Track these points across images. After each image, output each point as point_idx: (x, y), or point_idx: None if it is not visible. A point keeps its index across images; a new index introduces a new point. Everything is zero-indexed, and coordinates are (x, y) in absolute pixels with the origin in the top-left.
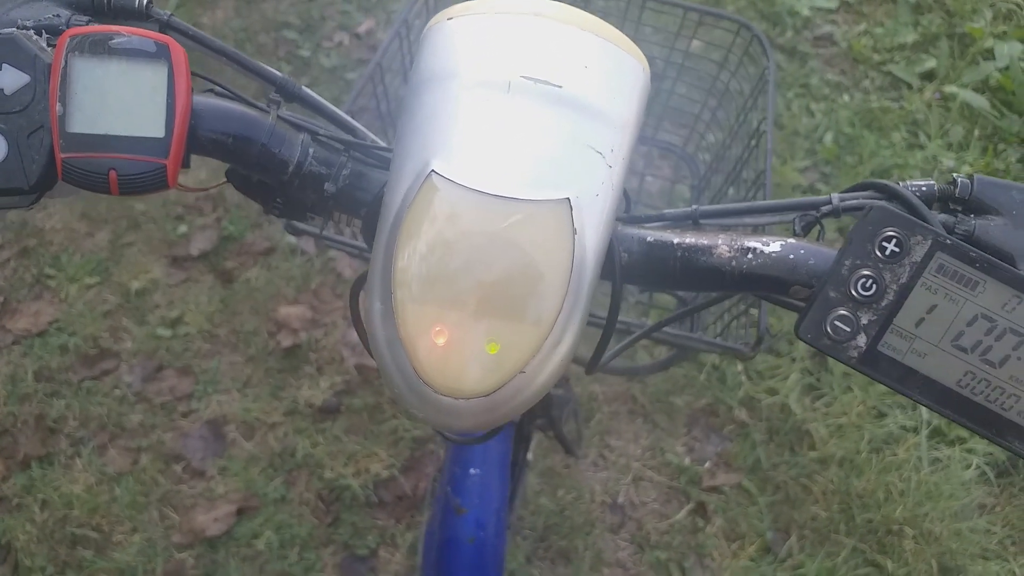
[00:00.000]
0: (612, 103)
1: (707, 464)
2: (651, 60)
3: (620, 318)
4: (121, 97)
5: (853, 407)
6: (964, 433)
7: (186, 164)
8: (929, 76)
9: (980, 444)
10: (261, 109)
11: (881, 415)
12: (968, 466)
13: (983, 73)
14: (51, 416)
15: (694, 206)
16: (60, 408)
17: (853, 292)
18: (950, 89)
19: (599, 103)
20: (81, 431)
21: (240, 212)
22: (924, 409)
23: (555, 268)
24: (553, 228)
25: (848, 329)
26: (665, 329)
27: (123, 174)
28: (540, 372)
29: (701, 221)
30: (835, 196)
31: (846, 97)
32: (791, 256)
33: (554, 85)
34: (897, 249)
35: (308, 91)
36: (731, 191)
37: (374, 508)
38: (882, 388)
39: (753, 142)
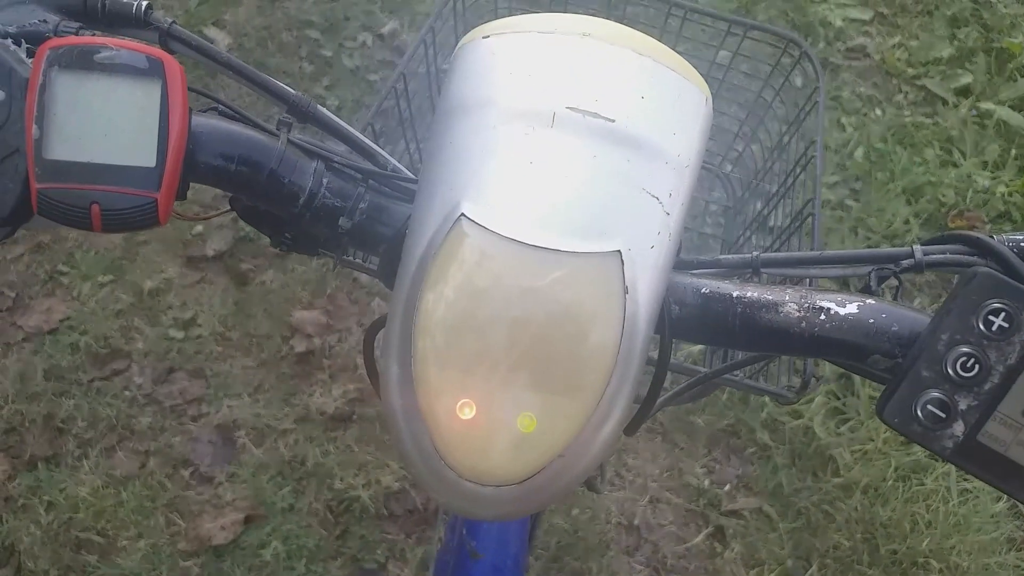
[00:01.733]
0: (672, 140)
1: (727, 487)
2: None
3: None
4: (107, 119)
5: (880, 433)
6: None
7: (182, 195)
8: (965, 92)
9: None
10: (270, 132)
11: (908, 442)
12: (999, 499)
13: (1021, 90)
14: (59, 416)
15: (755, 252)
16: (69, 408)
17: (951, 372)
18: (986, 106)
19: (657, 140)
20: (89, 432)
21: None
22: None
23: (603, 332)
24: (601, 285)
25: (944, 415)
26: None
27: (107, 209)
28: (584, 455)
29: (763, 270)
30: (918, 249)
31: (878, 111)
32: (871, 320)
33: (605, 118)
34: (1006, 324)
35: (324, 111)
36: (770, 216)
37: (384, 521)
38: None
39: (798, 167)
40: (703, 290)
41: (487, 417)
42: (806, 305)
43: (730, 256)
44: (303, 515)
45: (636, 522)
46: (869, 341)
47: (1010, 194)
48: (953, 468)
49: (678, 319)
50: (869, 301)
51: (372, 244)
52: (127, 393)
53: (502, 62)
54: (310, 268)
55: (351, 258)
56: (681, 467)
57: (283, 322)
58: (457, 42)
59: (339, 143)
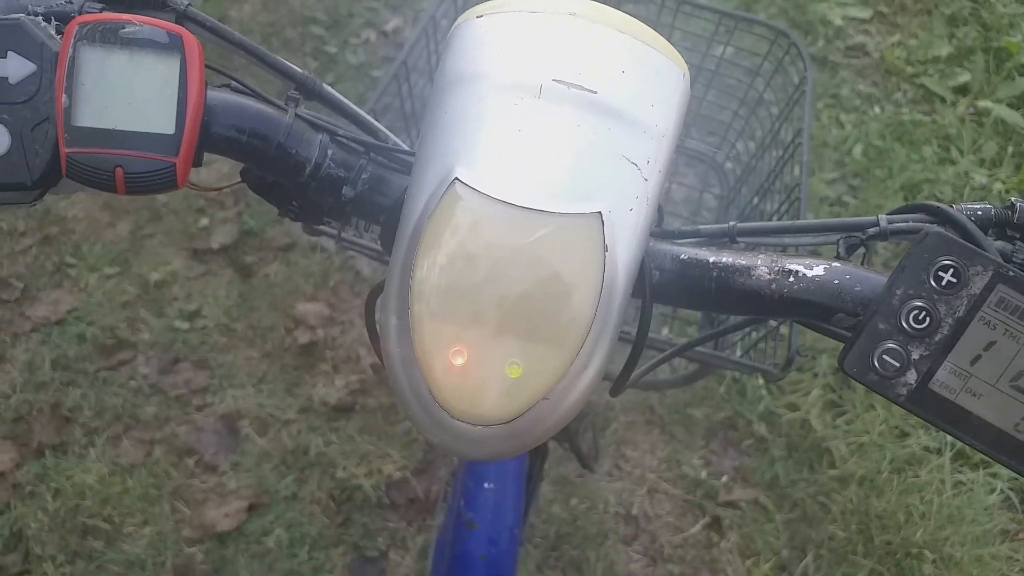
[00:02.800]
0: (650, 111)
1: (724, 478)
2: None
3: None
4: (130, 90)
5: (875, 426)
6: None
7: (198, 162)
8: (963, 90)
9: (1005, 469)
10: (279, 107)
11: (904, 435)
12: (992, 491)
13: (1019, 88)
14: (66, 405)
15: (731, 223)
16: (76, 397)
17: (904, 324)
18: (984, 104)
19: (636, 111)
20: (96, 421)
21: (261, 207)
22: None
23: (583, 287)
24: (583, 244)
25: (897, 364)
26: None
27: (130, 172)
28: (565, 398)
29: (738, 239)
30: (883, 218)
31: (877, 109)
32: (836, 281)
33: (588, 90)
34: (954, 280)
35: (329, 89)
36: (762, 204)
37: (385, 510)
38: None
39: (787, 154)
40: (682, 256)
41: (478, 364)
42: (776, 268)
43: (708, 226)
44: (306, 503)
45: (634, 512)
46: (833, 301)
47: (1007, 191)
48: (948, 462)
49: (658, 283)
50: (835, 264)
51: (373, 213)
52: (133, 383)
53: (494, 39)
54: (313, 261)
55: (353, 234)
56: (679, 458)
57: (287, 314)
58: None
59: (343, 119)
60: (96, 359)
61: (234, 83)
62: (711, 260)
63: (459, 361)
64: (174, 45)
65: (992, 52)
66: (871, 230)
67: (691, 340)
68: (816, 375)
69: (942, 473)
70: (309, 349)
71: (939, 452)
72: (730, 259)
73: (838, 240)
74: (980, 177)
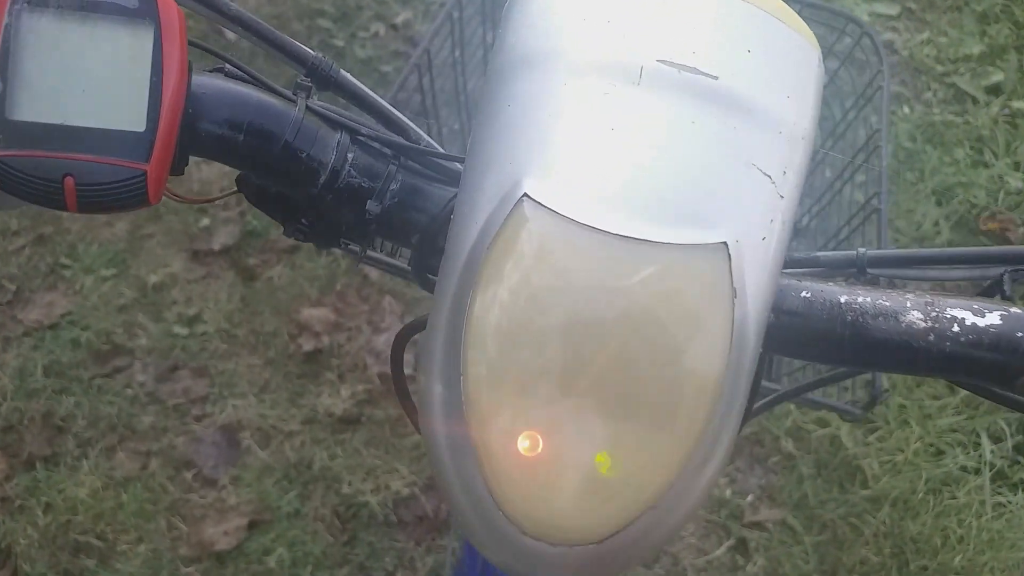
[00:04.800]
0: (786, 105)
1: (750, 497)
2: None
3: None
4: (87, 72)
5: (910, 443)
6: None
7: (178, 169)
8: (996, 90)
9: None
10: (286, 97)
11: (939, 453)
12: None
13: None
14: (59, 414)
15: (860, 249)
16: (69, 406)
17: None
18: (1018, 105)
19: (769, 104)
20: (89, 431)
21: None
22: (987, 450)
23: (706, 346)
24: (704, 287)
25: None
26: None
27: (84, 183)
28: (679, 505)
29: (868, 271)
30: None
31: (907, 109)
32: (1019, 333)
33: (706, 74)
34: None
35: (348, 76)
36: (825, 218)
37: (393, 528)
38: (942, 423)
39: (859, 159)
40: (804, 294)
41: (556, 454)
42: (934, 314)
43: (828, 253)
44: (309, 520)
45: None
46: (1017, 359)
47: None
48: (987, 482)
49: (773, 328)
50: (1014, 310)
51: (404, 233)
52: (129, 391)
53: (573, 5)
54: (319, 264)
55: (378, 252)
56: None
57: (291, 319)
58: (486, 15)
59: (366, 115)
60: (91, 366)
61: (229, 66)
62: (843, 300)
63: (530, 450)
64: (146, 12)
65: None
66: None
67: (787, 391)
68: (846, 388)
69: (981, 494)
70: (314, 357)
71: (977, 472)
72: (868, 299)
73: (1001, 274)
74: (1015, 181)
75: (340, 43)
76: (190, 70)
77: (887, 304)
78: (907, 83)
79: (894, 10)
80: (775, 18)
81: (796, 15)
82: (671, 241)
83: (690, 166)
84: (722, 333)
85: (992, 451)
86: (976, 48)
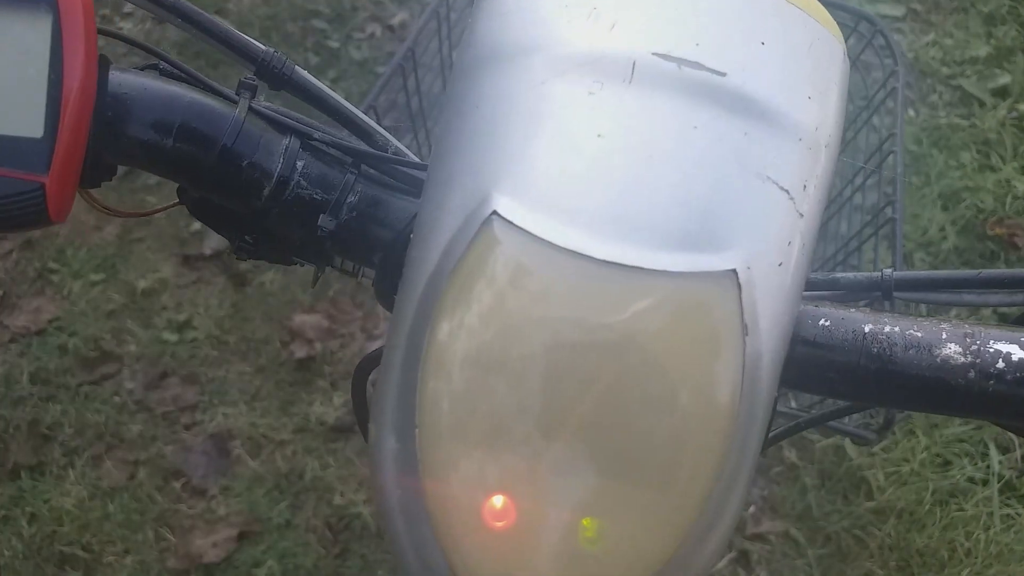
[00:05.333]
0: (806, 107)
1: (752, 509)
2: None
3: None
4: None
5: (916, 454)
6: None
7: (95, 181)
8: (1003, 93)
9: None
10: (227, 97)
11: (946, 463)
12: None
13: None
14: (45, 422)
15: (886, 270)
16: (56, 414)
17: None
18: None
19: (786, 105)
20: (76, 440)
21: None
22: (995, 461)
23: (713, 393)
24: (709, 323)
25: None
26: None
27: None
28: None
29: (896, 295)
30: None
31: (912, 112)
32: None
33: (711, 70)
34: None
35: (305, 74)
36: (835, 226)
37: (386, 540)
38: (948, 433)
39: (872, 165)
40: (823, 321)
41: (530, 523)
42: (974, 347)
43: (849, 275)
44: (300, 532)
45: None
46: None
47: None
48: (996, 493)
49: (787, 359)
50: None
51: (365, 251)
52: (117, 399)
53: None
54: (311, 270)
55: (340, 267)
56: None
57: (283, 326)
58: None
59: (325, 118)
60: (78, 373)
61: (164, 64)
62: (868, 329)
63: (500, 519)
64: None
65: None
66: None
67: (803, 420)
68: None
69: (989, 506)
70: (306, 364)
71: (985, 483)
72: (897, 328)
73: None
74: (1023, 186)
75: (335, 45)
76: (104, 66)
77: (919, 335)
78: (912, 86)
79: (899, 11)
80: (793, 5)
81: (817, 1)
82: (669, 269)
83: (692, 179)
84: (731, 376)
85: (1000, 462)
86: (982, 50)
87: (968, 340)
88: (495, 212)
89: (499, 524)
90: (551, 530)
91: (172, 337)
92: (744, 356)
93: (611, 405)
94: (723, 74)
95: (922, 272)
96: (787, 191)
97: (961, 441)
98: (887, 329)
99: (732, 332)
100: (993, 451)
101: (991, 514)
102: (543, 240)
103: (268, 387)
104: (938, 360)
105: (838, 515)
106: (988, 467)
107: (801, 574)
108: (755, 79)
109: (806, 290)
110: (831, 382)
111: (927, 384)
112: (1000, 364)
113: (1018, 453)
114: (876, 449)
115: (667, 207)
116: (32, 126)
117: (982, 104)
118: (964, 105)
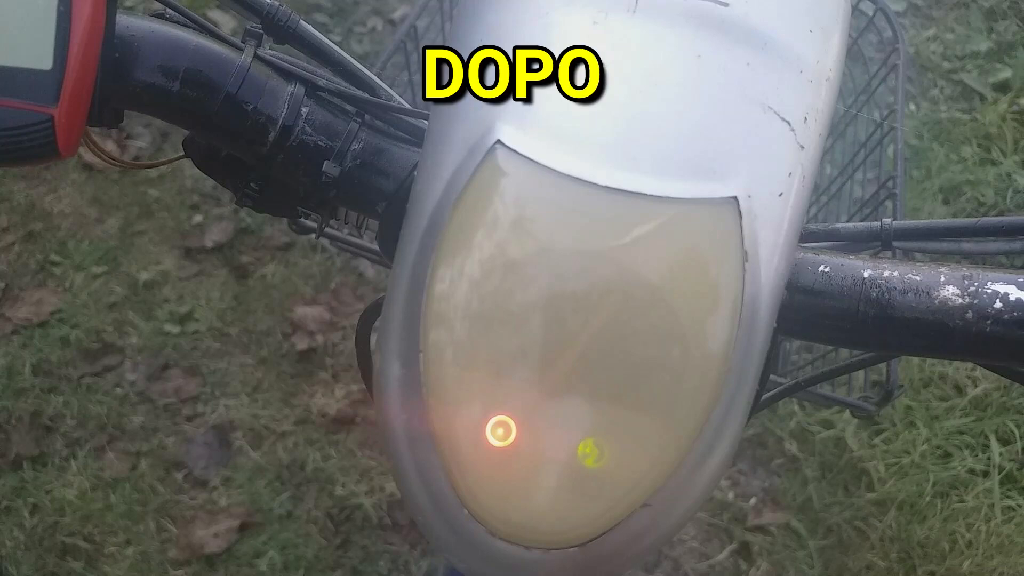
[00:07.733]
0: (808, 39)
1: (753, 500)
2: None
3: None
4: None
5: (917, 445)
6: None
7: (102, 120)
8: (1003, 87)
9: None
10: (233, 45)
11: (947, 455)
12: None
13: None
14: (47, 413)
15: (885, 219)
16: (58, 405)
17: None
18: None
19: (789, 37)
20: (78, 431)
21: None
22: (996, 452)
23: (711, 320)
24: (709, 249)
25: None
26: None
27: None
28: (677, 504)
29: (895, 244)
30: None
31: (913, 107)
32: None
33: (715, 1)
34: None
35: (309, 28)
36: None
37: (387, 531)
38: (950, 424)
39: (873, 140)
40: (822, 268)
41: (532, 443)
42: (972, 289)
43: (849, 225)
44: (301, 523)
45: None
46: None
47: None
48: (996, 485)
49: (787, 308)
50: None
51: (368, 200)
52: (119, 390)
53: None
54: (313, 261)
55: (339, 227)
56: None
57: (284, 318)
58: None
59: (328, 70)
60: (80, 364)
61: (171, 11)
62: (867, 275)
63: (502, 439)
64: None
65: None
66: None
67: (798, 381)
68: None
69: (990, 498)
70: (308, 356)
71: (986, 475)
72: (896, 272)
73: None
74: (1023, 179)
75: (337, 38)
76: (113, 5)
77: (917, 278)
78: (913, 80)
79: (900, 6)
80: None
81: None
82: (671, 195)
83: (694, 108)
84: (731, 303)
85: (1001, 453)
86: (983, 45)
87: (966, 282)
88: (499, 141)
89: (501, 444)
90: (553, 450)
91: (174, 329)
92: (743, 283)
93: (612, 329)
94: (726, 4)
95: (921, 221)
96: (788, 122)
97: (962, 433)
98: (886, 274)
99: (732, 258)
100: (994, 443)
101: (992, 506)
102: (547, 167)
103: (270, 379)
104: (936, 302)
105: (839, 507)
106: (989, 459)
107: (802, 565)
108: (757, 10)
109: (807, 240)
110: (831, 328)
111: (926, 327)
112: (997, 304)
113: (1019, 445)
114: (877, 441)
115: (670, 135)
116: (41, 58)
117: (983, 98)
118: (965, 99)
